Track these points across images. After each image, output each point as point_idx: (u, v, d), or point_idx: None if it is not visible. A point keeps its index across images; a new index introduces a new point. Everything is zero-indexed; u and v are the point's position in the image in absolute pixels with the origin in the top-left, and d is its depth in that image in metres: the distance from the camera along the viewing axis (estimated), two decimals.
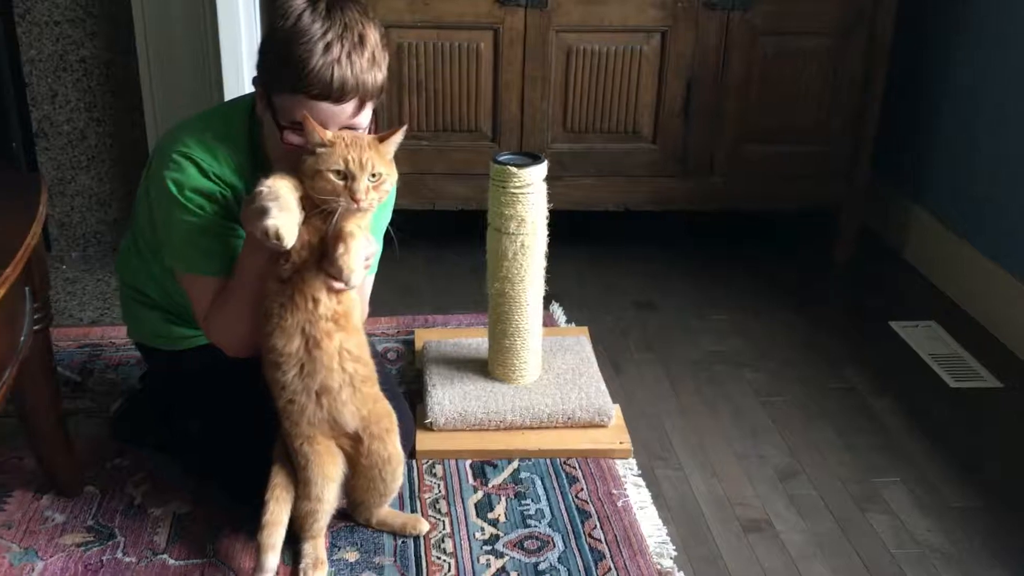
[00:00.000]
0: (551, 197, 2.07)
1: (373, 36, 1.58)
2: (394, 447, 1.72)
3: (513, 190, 2.01)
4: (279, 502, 1.67)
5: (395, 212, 1.85)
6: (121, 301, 1.98)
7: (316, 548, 1.71)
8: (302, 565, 1.69)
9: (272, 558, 1.64)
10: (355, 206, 1.51)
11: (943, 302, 2.73)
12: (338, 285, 1.56)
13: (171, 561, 1.72)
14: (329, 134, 1.53)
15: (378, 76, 1.59)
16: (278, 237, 1.47)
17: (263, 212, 1.48)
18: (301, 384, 1.63)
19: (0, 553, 1.72)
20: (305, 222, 1.55)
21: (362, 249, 1.54)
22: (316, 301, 1.58)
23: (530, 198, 2.02)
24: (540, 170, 2.03)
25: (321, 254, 1.56)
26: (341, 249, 1.51)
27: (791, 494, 1.96)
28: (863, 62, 2.75)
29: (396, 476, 1.74)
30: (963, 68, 2.74)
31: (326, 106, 1.55)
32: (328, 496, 1.68)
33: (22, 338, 1.58)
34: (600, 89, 2.73)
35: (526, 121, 2.75)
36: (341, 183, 1.51)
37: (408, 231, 1.79)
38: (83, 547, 1.75)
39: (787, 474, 2.02)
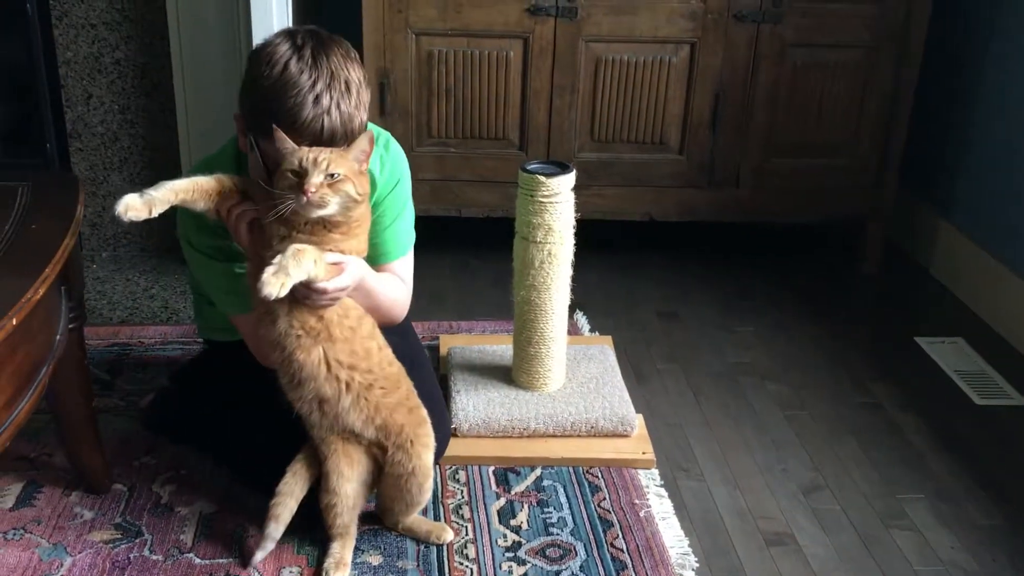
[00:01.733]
0: (577, 206, 2.08)
1: (357, 79, 1.59)
2: (419, 460, 1.72)
3: (541, 199, 2.02)
4: (295, 475, 1.71)
5: (421, 218, 1.85)
6: (192, 304, 2.09)
7: (342, 548, 1.72)
8: (325, 564, 1.71)
9: (274, 527, 1.68)
10: (304, 199, 1.49)
11: (970, 318, 2.71)
12: (262, 292, 1.50)
13: (197, 560, 1.74)
14: (293, 145, 1.53)
15: (363, 118, 1.61)
16: (124, 209, 1.48)
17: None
18: (295, 393, 1.66)
19: (29, 548, 1.75)
20: (258, 236, 1.58)
21: (300, 262, 1.48)
22: (282, 315, 1.59)
23: (558, 207, 2.03)
24: (568, 179, 2.04)
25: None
26: (279, 251, 1.50)
27: (814, 508, 1.96)
28: (893, 75, 2.75)
29: (422, 490, 1.75)
30: (993, 82, 2.72)
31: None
32: (344, 492, 1.70)
33: (58, 336, 1.61)
34: (628, 99, 2.74)
35: (554, 130, 2.76)
36: (295, 180, 1.51)
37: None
38: (111, 544, 1.77)
39: (810, 488, 2.02)
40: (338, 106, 1.55)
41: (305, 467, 1.72)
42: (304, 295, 1.56)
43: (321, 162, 1.50)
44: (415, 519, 1.81)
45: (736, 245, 3.09)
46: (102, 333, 2.44)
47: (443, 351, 2.36)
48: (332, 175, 1.51)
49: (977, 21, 2.79)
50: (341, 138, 1.57)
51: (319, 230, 1.55)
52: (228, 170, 1.74)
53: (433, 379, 2.01)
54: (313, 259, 1.50)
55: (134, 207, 1.49)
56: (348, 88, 1.57)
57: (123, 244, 2.90)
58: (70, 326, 1.68)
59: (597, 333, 2.55)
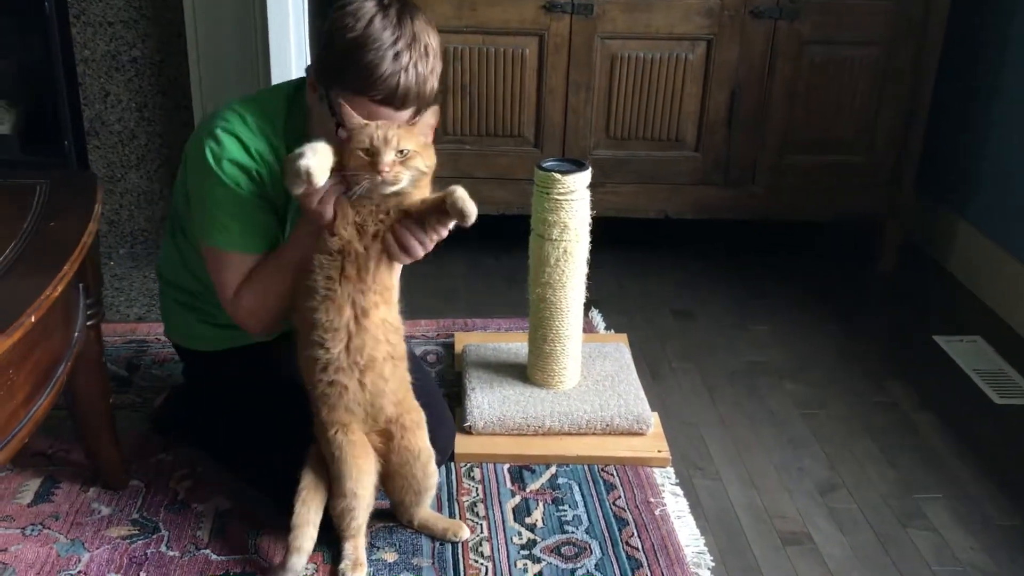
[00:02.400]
0: (593, 203, 2.08)
1: (436, 47, 1.63)
2: (423, 441, 1.74)
3: (557, 196, 2.02)
4: (306, 504, 1.69)
5: None
6: (160, 302, 2.01)
7: (356, 549, 1.72)
8: (341, 566, 1.71)
9: (297, 559, 1.66)
10: (379, 178, 1.52)
11: (988, 317, 2.69)
12: (444, 232, 1.59)
13: (213, 556, 1.75)
14: (360, 120, 1.56)
15: (435, 84, 1.63)
16: (308, 174, 1.49)
17: (299, 156, 1.51)
18: (347, 359, 1.63)
19: (48, 544, 1.76)
20: (347, 205, 1.58)
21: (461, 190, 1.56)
22: (368, 272, 1.60)
23: (573, 205, 2.03)
24: (584, 177, 2.04)
25: (399, 218, 1.59)
26: (448, 198, 1.55)
27: (831, 507, 1.95)
28: (911, 73, 2.73)
29: (428, 472, 1.76)
30: (1012, 80, 2.70)
31: (387, 110, 1.60)
32: (362, 491, 1.70)
33: (76, 333, 1.62)
34: (644, 96, 2.73)
35: (569, 127, 2.76)
36: (368, 159, 1.53)
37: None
38: (128, 540, 1.78)
39: (827, 487, 2.01)
40: (415, 66, 1.58)
41: (312, 491, 1.70)
42: (423, 239, 1.59)
43: (391, 139, 1.52)
44: (430, 516, 1.81)
45: (752, 243, 3.07)
46: (120, 330, 2.45)
47: (458, 348, 2.36)
48: (402, 151, 1.53)
49: (996, 17, 2.77)
50: (413, 98, 1.60)
51: (395, 198, 1.58)
52: (278, 117, 1.72)
53: (429, 377, 2.00)
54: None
55: (320, 171, 1.51)
56: (427, 52, 1.60)
57: (140, 241, 2.91)
58: (88, 323, 1.69)
59: (612, 331, 2.54)
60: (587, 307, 2.24)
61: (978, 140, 2.84)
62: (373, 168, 1.52)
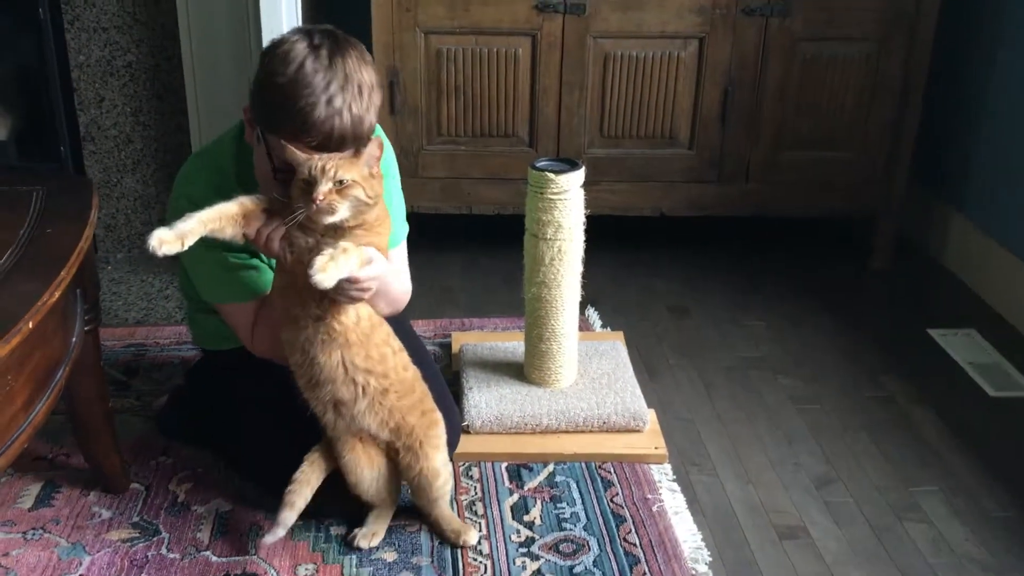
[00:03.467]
0: (587, 202, 2.09)
1: (370, 82, 1.60)
2: (427, 461, 1.74)
3: (551, 196, 2.03)
4: (312, 464, 1.74)
5: (432, 216, 1.86)
6: (186, 314, 2.07)
7: (376, 520, 1.78)
8: (356, 531, 1.78)
9: (288, 514, 1.70)
10: (313, 207, 1.51)
11: (982, 310, 2.70)
12: (353, 293, 1.56)
13: (214, 558, 1.76)
14: (305, 155, 1.55)
15: (373, 120, 1.62)
16: (153, 250, 1.50)
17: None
18: (312, 394, 1.68)
19: (48, 548, 1.77)
20: (286, 243, 1.58)
21: (343, 261, 1.51)
22: (309, 320, 1.61)
23: (567, 204, 2.04)
24: (578, 176, 2.05)
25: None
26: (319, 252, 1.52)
27: (827, 501, 1.96)
28: (903, 68, 2.74)
29: (432, 487, 1.77)
30: (1004, 74, 2.71)
31: (323, 154, 1.58)
32: (364, 488, 1.75)
33: (73, 338, 1.62)
34: (637, 95, 2.74)
35: (563, 126, 2.77)
36: (306, 188, 1.52)
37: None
38: (129, 543, 1.79)
39: (823, 482, 2.02)
40: (350, 108, 1.56)
41: (322, 457, 1.75)
42: (338, 286, 1.55)
43: (329, 170, 1.51)
44: (444, 515, 1.82)
45: (746, 239, 3.08)
46: (118, 334, 2.46)
47: (455, 348, 2.37)
48: (340, 181, 1.52)
49: (989, 11, 2.78)
50: (350, 140, 1.58)
51: (342, 233, 1.56)
52: (227, 158, 1.76)
53: (439, 375, 2.01)
54: (357, 258, 1.53)
55: (167, 240, 1.49)
56: (360, 91, 1.58)
57: (137, 245, 2.92)
58: (86, 328, 1.70)
59: (608, 329, 2.55)
60: (583, 305, 2.25)
61: (971, 134, 2.86)
62: (308, 197, 1.51)
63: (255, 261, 1.76)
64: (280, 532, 1.72)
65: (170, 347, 2.41)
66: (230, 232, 1.58)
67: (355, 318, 1.65)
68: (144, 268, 2.84)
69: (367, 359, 1.66)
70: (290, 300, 1.62)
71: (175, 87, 2.74)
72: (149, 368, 2.33)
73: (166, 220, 1.77)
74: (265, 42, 2.51)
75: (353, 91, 1.57)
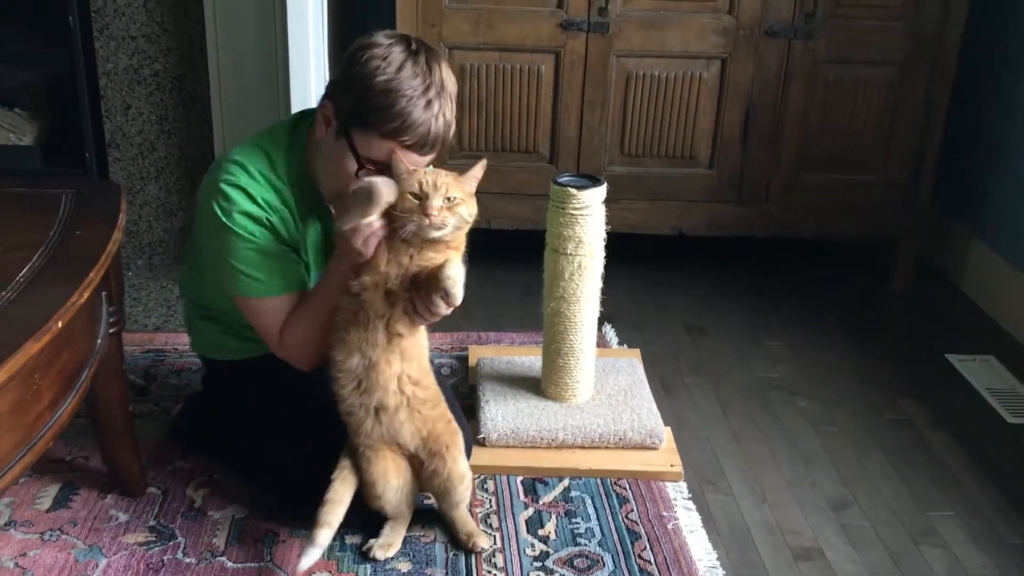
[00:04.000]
0: (607, 220, 2.10)
1: (456, 90, 1.69)
2: (454, 464, 1.75)
3: (572, 211, 2.04)
4: (344, 482, 1.74)
5: None
6: (184, 315, 2.05)
7: (392, 531, 1.79)
8: (371, 542, 1.78)
9: (324, 533, 1.69)
10: (427, 221, 1.57)
11: (1001, 336, 2.69)
12: (443, 309, 1.62)
13: (229, 564, 1.77)
14: (408, 166, 1.62)
15: (454, 129, 1.70)
16: (379, 197, 1.55)
17: (369, 184, 1.57)
18: (358, 400, 1.69)
19: (65, 549, 1.78)
20: (385, 248, 1.62)
21: (460, 269, 1.60)
22: (381, 326, 1.64)
23: (588, 220, 2.05)
24: (599, 192, 2.06)
25: (408, 283, 1.63)
26: (445, 268, 1.58)
27: (843, 524, 1.95)
28: (926, 92, 2.75)
29: (458, 492, 1.78)
30: None
31: (412, 155, 1.64)
32: (389, 497, 1.75)
33: (99, 340, 1.64)
34: (658, 114, 2.75)
35: (584, 144, 2.78)
36: (416, 203, 1.58)
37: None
38: (145, 546, 1.80)
39: (840, 504, 2.01)
40: (444, 114, 1.64)
41: (351, 473, 1.75)
42: (431, 304, 1.62)
43: (441, 186, 1.58)
44: (461, 517, 1.83)
45: (765, 260, 3.08)
46: (138, 339, 2.48)
47: (472, 362, 2.38)
48: (450, 198, 1.58)
49: (1011, 36, 2.78)
50: (440, 143, 1.66)
51: (439, 246, 1.62)
52: (281, 150, 1.75)
53: (448, 390, 2.02)
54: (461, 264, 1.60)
55: (388, 191, 1.59)
56: (452, 99, 1.66)
57: (159, 252, 2.95)
58: (110, 330, 1.71)
59: (626, 346, 2.56)
60: (601, 322, 2.25)
61: (992, 161, 2.86)
62: (422, 211, 1.57)
63: (296, 256, 1.77)
64: (316, 553, 1.69)
65: (189, 354, 2.42)
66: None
67: (422, 332, 1.70)
68: (164, 275, 2.86)
69: (419, 371, 1.71)
70: (365, 304, 1.63)
71: (200, 97, 2.77)
72: (168, 374, 2.34)
73: (207, 236, 1.76)
74: (292, 54, 2.58)
75: (447, 98, 1.64)
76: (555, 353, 2.16)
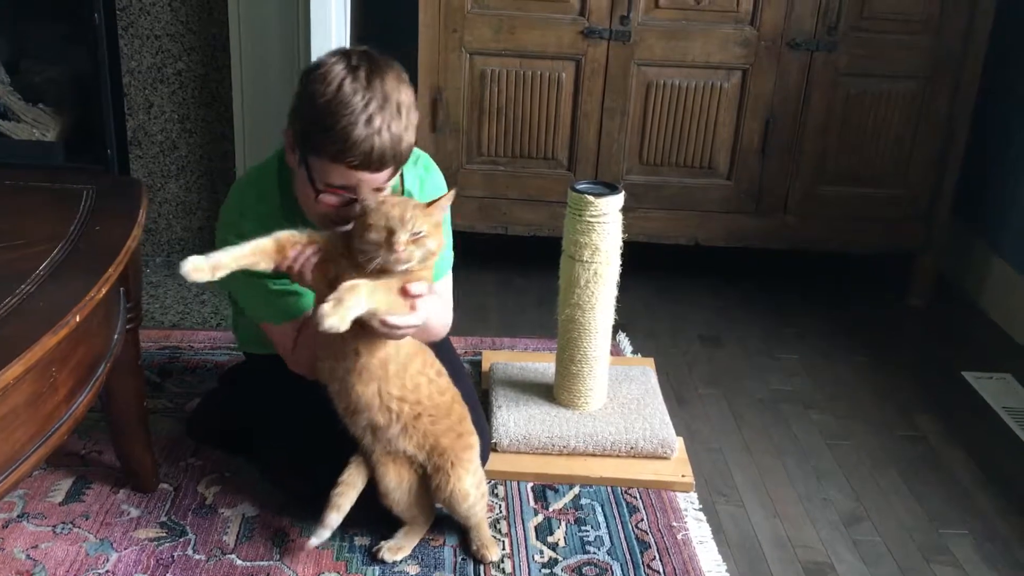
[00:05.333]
0: (624, 227, 2.09)
1: (407, 101, 1.63)
2: (458, 482, 1.75)
3: (589, 218, 2.04)
4: (359, 467, 1.75)
5: (468, 234, 1.87)
6: (232, 316, 2.10)
7: (405, 536, 1.80)
8: (383, 543, 1.79)
9: (334, 516, 1.72)
10: (392, 256, 1.55)
11: (1019, 354, 2.67)
12: (322, 326, 1.53)
13: (239, 561, 1.77)
14: (377, 197, 1.59)
15: (411, 139, 1.64)
16: (191, 269, 1.52)
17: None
18: (350, 420, 1.71)
19: (77, 543, 1.79)
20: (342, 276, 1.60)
21: (356, 295, 1.52)
22: (348, 351, 1.64)
23: (605, 227, 2.05)
24: (617, 200, 2.06)
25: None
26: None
27: (855, 539, 1.94)
28: (947, 107, 2.73)
29: (461, 510, 1.78)
30: None
31: (364, 174, 1.61)
32: (395, 498, 1.76)
33: (116, 335, 1.65)
34: (678, 123, 2.75)
35: (603, 151, 2.78)
36: (383, 237, 1.55)
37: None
38: (156, 542, 1.81)
39: (852, 519, 2.00)
40: (388, 128, 1.59)
41: (365, 462, 1.77)
42: (381, 330, 1.60)
43: (408, 220, 1.55)
44: (477, 528, 1.82)
45: (782, 272, 3.07)
46: (154, 336, 2.50)
47: (485, 367, 2.38)
48: (417, 232, 1.56)
49: None
50: (389, 160, 1.61)
51: (406, 275, 1.61)
52: (271, 183, 1.79)
53: (472, 393, 2.02)
54: (367, 292, 1.54)
55: (199, 268, 1.51)
56: (399, 111, 1.60)
57: (177, 250, 2.96)
58: (127, 326, 1.72)
59: (639, 355, 2.55)
60: (615, 330, 2.25)
61: (1014, 177, 2.83)
62: (388, 246, 1.55)
63: (295, 287, 1.77)
64: (325, 534, 1.73)
65: (204, 351, 2.44)
66: (263, 265, 1.61)
67: (394, 350, 1.68)
68: None
69: (402, 388, 1.70)
70: (329, 333, 1.63)
71: (223, 96, 2.79)
72: (183, 371, 2.36)
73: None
74: (315, 55, 2.59)
75: (392, 111, 1.59)
76: (569, 360, 2.15)
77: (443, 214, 1.64)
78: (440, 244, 1.62)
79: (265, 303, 1.80)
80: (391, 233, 1.54)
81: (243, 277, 1.71)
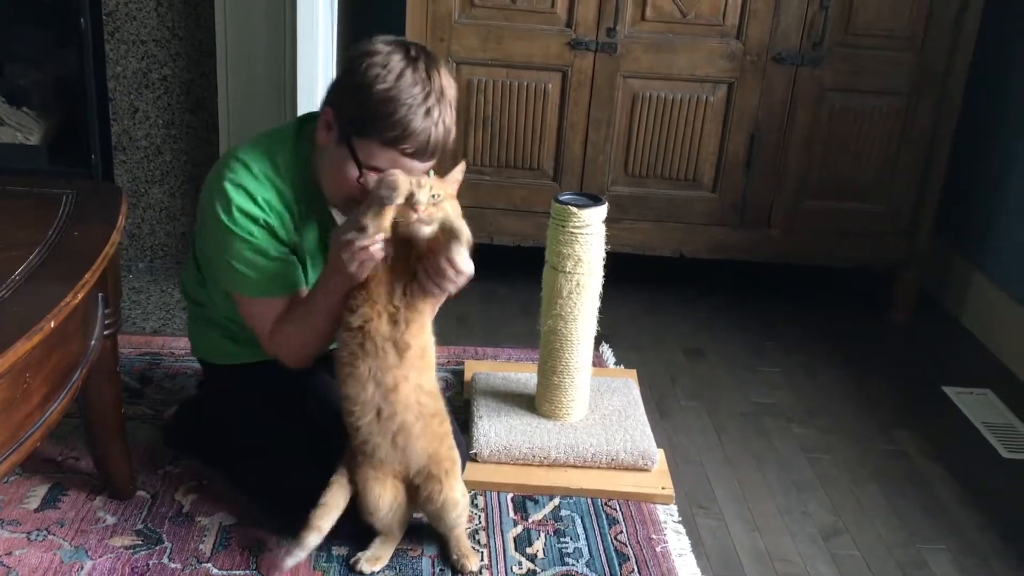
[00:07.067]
0: (608, 239, 2.10)
1: (456, 96, 1.69)
2: (450, 491, 1.74)
3: (572, 229, 2.04)
4: (341, 488, 1.73)
5: None
6: (188, 321, 2.06)
7: (381, 546, 1.78)
8: (360, 554, 1.77)
9: (313, 537, 1.69)
10: (414, 216, 1.56)
11: (1000, 370, 2.68)
12: (451, 275, 1.59)
13: (215, 570, 1.76)
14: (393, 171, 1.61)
15: (454, 133, 1.70)
16: (399, 191, 1.54)
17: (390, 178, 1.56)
18: (378, 427, 1.68)
19: (51, 550, 1.77)
20: (382, 277, 1.62)
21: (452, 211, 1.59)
22: (390, 347, 1.63)
23: (588, 239, 2.05)
24: (600, 212, 2.06)
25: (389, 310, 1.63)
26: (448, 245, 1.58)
27: (833, 553, 1.94)
28: (931, 123, 2.75)
29: (451, 518, 1.77)
30: None
31: (413, 162, 1.65)
32: (380, 516, 1.75)
33: (93, 342, 1.64)
34: (663, 136, 2.76)
35: (588, 163, 2.78)
36: (404, 202, 1.57)
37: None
38: (131, 550, 1.79)
39: (831, 533, 2.00)
40: (443, 120, 1.64)
41: (347, 480, 1.74)
42: (439, 272, 1.59)
43: (425, 184, 1.58)
44: (457, 537, 1.82)
45: (766, 285, 3.08)
46: (135, 342, 2.48)
47: (467, 376, 2.37)
48: (435, 195, 1.58)
49: (1017, 70, 2.79)
50: (439, 149, 1.66)
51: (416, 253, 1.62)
52: (285, 152, 1.75)
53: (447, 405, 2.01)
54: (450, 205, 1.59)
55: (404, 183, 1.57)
56: (451, 105, 1.66)
57: (160, 256, 2.95)
58: (105, 332, 1.71)
59: (622, 366, 2.55)
60: (598, 341, 2.25)
61: (996, 193, 2.85)
62: (410, 208, 1.56)
63: (294, 257, 1.77)
64: (301, 555, 1.70)
65: (185, 358, 2.42)
66: None
67: (428, 337, 1.68)
68: (165, 278, 2.86)
69: (431, 381, 1.70)
70: (369, 334, 1.63)
71: (208, 103, 2.78)
72: (163, 378, 2.34)
73: (207, 233, 1.77)
74: (301, 64, 2.59)
75: (447, 104, 1.65)
76: (550, 371, 2.15)
77: (455, 187, 1.65)
78: (459, 212, 1.63)
79: (269, 270, 1.72)
80: (411, 196, 1.56)
81: (248, 239, 1.70)
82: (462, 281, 1.62)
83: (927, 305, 2.99)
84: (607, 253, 2.10)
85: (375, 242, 1.57)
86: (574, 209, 2.03)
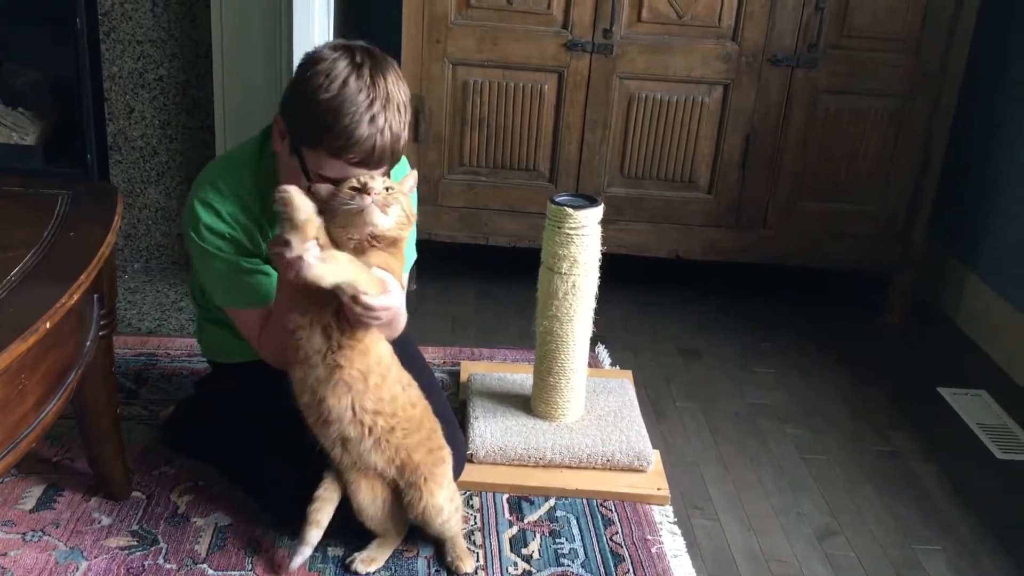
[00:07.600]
0: (604, 240, 2.10)
1: (406, 100, 1.65)
2: (430, 497, 1.74)
3: (568, 231, 2.04)
4: (334, 480, 1.74)
5: (448, 245, 1.87)
6: (196, 325, 2.07)
7: (378, 548, 1.78)
8: (355, 554, 1.77)
9: (314, 532, 1.70)
10: (368, 199, 1.55)
11: (994, 371, 2.69)
12: (359, 311, 1.57)
13: (210, 571, 1.76)
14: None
15: (407, 139, 1.68)
16: (286, 203, 1.52)
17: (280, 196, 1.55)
18: (320, 431, 1.70)
19: (47, 551, 1.77)
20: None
21: (339, 260, 1.54)
22: (320, 360, 1.63)
23: (584, 240, 2.05)
24: (596, 213, 2.06)
25: (334, 312, 1.62)
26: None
27: (828, 553, 1.95)
28: (926, 126, 2.76)
29: (435, 525, 1.77)
30: None
31: (362, 170, 1.63)
32: (369, 515, 1.75)
33: (88, 342, 1.64)
34: (659, 137, 2.76)
35: (584, 164, 2.79)
36: (358, 190, 1.57)
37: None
38: (127, 551, 1.79)
39: (825, 533, 2.01)
40: (390, 127, 1.61)
41: (340, 476, 1.75)
42: (351, 312, 1.58)
43: (377, 176, 1.58)
44: (452, 540, 1.81)
45: (761, 287, 3.09)
46: (130, 342, 2.48)
47: (463, 377, 2.37)
48: (388, 188, 1.58)
49: (1013, 74, 2.79)
50: (388, 156, 1.63)
51: (365, 249, 1.60)
52: (247, 178, 1.77)
53: (446, 405, 2.01)
54: (347, 259, 1.55)
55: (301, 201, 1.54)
56: (399, 109, 1.63)
57: (155, 256, 2.95)
58: (100, 333, 1.71)
59: (618, 367, 2.55)
60: (594, 342, 2.25)
61: (991, 196, 2.86)
62: (363, 192, 1.55)
63: (267, 268, 1.78)
64: (307, 551, 1.72)
65: (181, 358, 2.42)
66: None
67: (376, 360, 1.66)
68: (160, 279, 2.86)
69: (378, 401, 1.68)
70: (302, 341, 1.63)
71: (204, 103, 2.78)
72: (158, 378, 2.34)
73: (188, 249, 1.81)
74: (296, 64, 2.59)
75: (394, 110, 1.62)
76: (546, 372, 2.15)
77: (409, 190, 1.65)
78: (412, 218, 1.63)
79: (236, 285, 1.76)
80: (365, 184, 1.56)
81: (214, 255, 1.72)
82: (384, 316, 1.60)
83: (922, 307, 3.00)
84: (603, 254, 2.10)
85: (305, 250, 1.54)
86: (570, 210, 2.03)
